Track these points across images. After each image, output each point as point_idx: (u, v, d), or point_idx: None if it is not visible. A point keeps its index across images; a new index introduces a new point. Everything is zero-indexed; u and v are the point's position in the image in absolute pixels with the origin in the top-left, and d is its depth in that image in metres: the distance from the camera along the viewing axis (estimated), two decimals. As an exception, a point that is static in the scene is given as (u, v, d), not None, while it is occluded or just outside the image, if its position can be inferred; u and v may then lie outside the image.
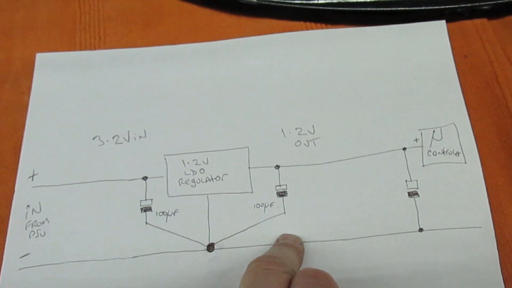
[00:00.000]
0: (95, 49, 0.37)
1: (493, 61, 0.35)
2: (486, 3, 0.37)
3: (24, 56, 0.38)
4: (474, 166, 0.31)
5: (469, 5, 0.37)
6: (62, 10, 0.39)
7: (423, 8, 0.37)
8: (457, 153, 0.32)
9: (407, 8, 0.37)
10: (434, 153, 0.32)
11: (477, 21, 0.37)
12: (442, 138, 0.32)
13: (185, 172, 0.32)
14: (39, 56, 0.36)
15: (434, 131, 0.33)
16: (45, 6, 0.40)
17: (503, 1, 0.37)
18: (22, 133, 0.34)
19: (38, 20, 0.39)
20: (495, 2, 0.37)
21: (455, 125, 0.33)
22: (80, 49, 0.37)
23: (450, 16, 0.37)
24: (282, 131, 0.33)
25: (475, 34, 0.36)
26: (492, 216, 0.30)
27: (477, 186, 0.31)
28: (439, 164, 0.32)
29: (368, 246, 0.30)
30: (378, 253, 0.30)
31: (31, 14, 0.40)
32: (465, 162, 0.32)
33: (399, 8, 0.37)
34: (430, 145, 0.32)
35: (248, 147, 0.33)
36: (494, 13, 0.37)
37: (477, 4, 0.37)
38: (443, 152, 0.32)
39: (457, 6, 0.37)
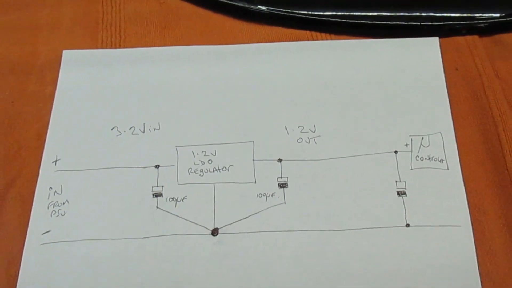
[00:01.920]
0: (115, 47, 0.41)
1: (482, 74, 0.39)
2: (483, 21, 0.41)
3: (48, 51, 0.41)
4: (456, 172, 0.35)
5: (467, 22, 0.41)
6: (86, 10, 0.43)
7: (425, 23, 0.41)
8: (441, 160, 0.35)
9: (409, 23, 0.41)
10: (422, 159, 0.36)
11: (469, 37, 0.40)
12: (429, 145, 0.36)
13: (194, 162, 0.36)
14: (66, 53, 0.40)
15: (422, 138, 0.36)
16: (70, 5, 0.44)
17: (497, 20, 0.41)
18: (45, 121, 0.38)
19: (62, 18, 0.43)
20: (490, 20, 0.41)
21: (441, 134, 0.36)
22: (102, 47, 0.41)
23: (449, 32, 0.41)
24: (286, 128, 0.37)
25: (467, 49, 0.40)
26: (472, 216, 0.33)
27: (458, 190, 0.34)
28: (425, 169, 0.35)
29: (359, 237, 0.33)
30: (368, 244, 0.33)
31: (56, 12, 0.43)
32: (448, 169, 0.35)
33: (399, 23, 0.41)
34: (419, 151, 0.36)
35: (253, 141, 0.36)
36: (489, 30, 0.41)
37: (474, 22, 0.41)
38: (429, 158, 0.36)
39: (456, 23, 0.41)
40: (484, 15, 0.41)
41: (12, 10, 0.43)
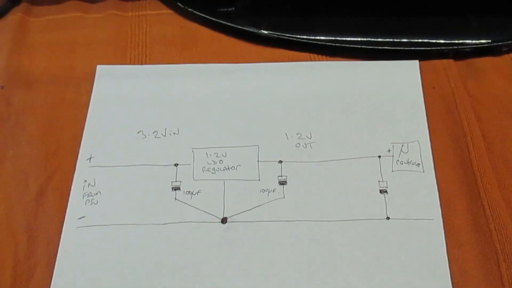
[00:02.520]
0: (142, 64, 0.46)
1: (455, 92, 0.43)
2: (468, 46, 0.46)
3: (84, 66, 0.46)
4: (430, 175, 0.39)
5: (455, 47, 0.46)
6: (117, 32, 0.48)
7: (407, 48, 0.46)
8: (418, 164, 0.40)
9: (393, 48, 0.46)
10: (401, 162, 0.40)
11: (445, 61, 0.45)
12: (408, 151, 0.41)
13: (207, 162, 0.41)
14: (99, 68, 0.46)
15: (402, 145, 0.41)
16: (103, 27, 0.49)
17: (480, 46, 0.46)
18: (80, 125, 0.42)
19: (97, 38, 0.48)
20: (475, 46, 0.46)
21: (418, 142, 0.41)
22: (130, 63, 0.46)
23: (427, 56, 0.45)
24: (286, 135, 0.42)
25: (443, 71, 0.45)
26: (442, 212, 0.38)
27: (431, 189, 0.39)
28: (404, 171, 0.40)
29: (347, 227, 0.37)
30: (355, 233, 0.37)
31: (92, 33, 0.48)
32: (423, 172, 0.40)
33: (385, 47, 0.46)
34: (399, 156, 0.40)
35: (258, 145, 0.41)
36: (472, 54, 0.46)
37: (461, 47, 0.46)
38: (408, 162, 0.40)
39: (433, 48, 0.46)
40: (460, 42, 0.46)
41: (55, 30, 0.49)
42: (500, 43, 0.46)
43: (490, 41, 0.46)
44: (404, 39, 0.47)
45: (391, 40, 0.46)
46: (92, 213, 0.38)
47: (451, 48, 0.46)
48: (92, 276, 0.36)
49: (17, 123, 0.43)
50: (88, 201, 0.39)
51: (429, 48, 0.46)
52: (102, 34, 0.49)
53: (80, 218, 0.38)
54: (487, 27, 0.48)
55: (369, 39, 0.47)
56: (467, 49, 0.46)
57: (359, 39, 0.47)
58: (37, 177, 0.40)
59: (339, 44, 0.46)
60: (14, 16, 0.50)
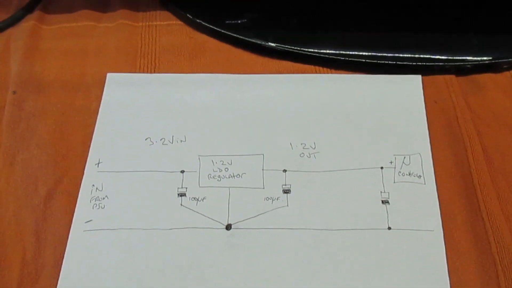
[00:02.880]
0: (151, 72, 0.47)
1: (456, 107, 0.44)
2: (470, 63, 0.47)
3: (95, 73, 0.47)
4: (431, 186, 0.40)
5: (456, 63, 0.47)
6: (127, 41, 0.49)
7: (411, 63, 0.47)
8: (419, 176, 0.41)
9: (397, 62, 0.47)
10: (403, 174, 0.41)
11: (447, 76, 0.46)
12: (410, 163, 0.41)
13: (213, 169, 0.41)
14: (109, 75, 0.46)
15: (404, 157, 0.42)
16: (114, 36, 0.50)
17: (481, 63, 0.47)
18: (90, 131, 0.43)
19: (108, 46, 0.49)
20: (476, 62, 0.47)
21: (420, 155, 0.42)
22: (139, 72, 0.47)
23: (430, 71, 0.46)
24: (290, 144, 0.42)
25: (444, 85, 0.46)
26: (443, 223, 0.38)
27: (432, 201, 0.39)
28: (405, 183, 0.40)
29: (349, 236, 0.38)
30: (356, 242, 0.38)
31: (103, 41, 0.50)
32: (424, 183, 0.40)
33: (389, 62, 0.47)
34: (401, 168, 0.41)
35: (263, 154, 0.42)
36: (473, 71, 0.47)
37: (463, 63, 0.47)
38: (409, 174, 0.41)
39: (436, 64, 0.46)
40: (463, 58, 0.47)
41: (67, 38, 0.50)
42: (500, 60, 0.47)
43: (491, 58, 0.47)
44: (408, 54, 0.48)
45: (395, 55, 0.48)
46: (99, 217, 0.39)
47: (452, 64, 0.47)
48: (98, 279, 0.36)
49: (28, 127, 0.44)
50: (95, 205, 0.40)
51: (432, 64, 0.47)
52: (112, 43, 0.50)
53: (87, 221, 0.39)
54: (488, 44, 0.49)
55: (373, 53, 0.48)
56: (468, 66, 0.47)
57: (364, 53, 0.48)
58: (46, 181, 0.41)
59: (344, 58, 0.47)
60: (27, 23, 0.51)
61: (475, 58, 0.47)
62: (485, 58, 0.47)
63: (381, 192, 0.40)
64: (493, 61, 0.47)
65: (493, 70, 0.47)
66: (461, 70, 0.47)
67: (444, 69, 0.47)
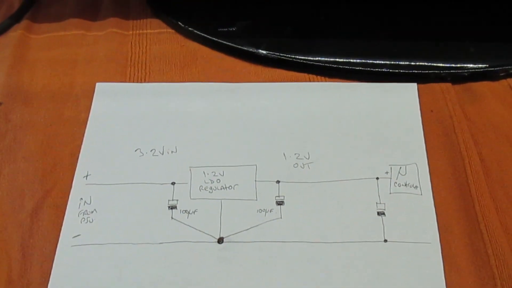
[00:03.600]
0: (141, 82, 0.46)
1: (453, 116, 0.43)
2: (466, 70, 0.46)
3: (84, 83, 0.46)
4: (428, 197, 0.39)
5: (452, 71, 0.46)
6: (117, 50, 0.49)
7: (406, 71, 0.46)
8: (416, 187, 0.40)
9: (392, 70, 0.46)
10: (399, 185, 0.40)
11: (443, 84, 0.46)
12: (406, 173, 0.41)
13: (204, 181, 0.40)
14: (99, 85, 0.46)
15: (400, 167, 0.41)
16: (104, 45, 0.49)
17: (478, 70, 0.46)
18: (78, 142, 0.42)
19: (97, 55, 0.48)
20: (473, 70, 0.46)
21: (416, 165, 0.41)
22: (130, 81, 0.46)
23: (426, 79, 0.46)
24: (284, 155, 0.42)
25: (441, 94, 0.45)
26: (440, 235, 0.37)
27: (429, 212, 0.39)
28: (402, 193, 0.40)
29: (344, 249, 0.37)
30: (351, 255, 0.37)
31: (92, 50, 0.49)
32: (421, 194, 0.40)
33: (384, 70, 0.46)
34: (397, 178, 0.40)
35: (256, 165, 0.41)
36: (470, 79, 0.46)
37: (459, 71, 0.46)
38: (405, 185, 0.40)
39: (431, 71, 0.46)
40: (462, 65, 0.46)
41: (55, 47, 0.49)
42: (497, 68, 0.47)
43: (487, 65, 0.47)
44: (403, 62, 0.47)
45: (390, 62, 0.47)
46: (87, 232, 0.38)
47: (448, 72, 0.46)
48: (86, 295, 0.35)
49: (15, 139, 0.43)
50: (83, 219, 0.39)
51: (427, 72, 0.46)
52: (102, 52, 0.49)
53: (75, 236, 0.38)
54: (484, 52, 0.48)
55: (368, 61, 0.47)
56: (464, 73, 0.46)
57: (358, 61, 0.47)
58: (33, 194, 0.40)
59: (338, 66, 0.47)
60: (15, 33, 0.51)
61: (471, 66, 0.47)
62: (481, 65, 0.46)
63: (376, 203, 0.39)
64: (489, 69, 0.47)
65: (490, 78, 0.47)
66: (457, 78, 0.46)
67: (440, 77, 0.46)
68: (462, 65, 0.47)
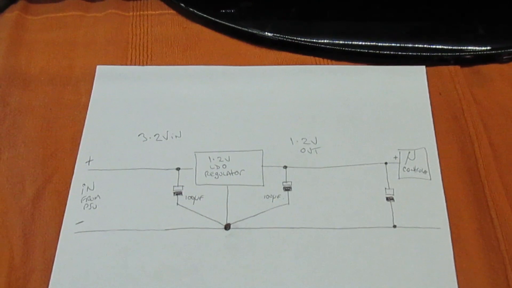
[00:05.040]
0: (143, 65, 0.45)
1: (461, 99, 0.43)
2: (466, 53, 0.46)
3: (84, 66, 0.45)
4: (437, 182, 0.39)
5: (452, 54, 0.45)
6: (118, 31, 0.48)
7: (414, 53, 0.45)
8: (425, 171, 0.39)
9: (400, 53, 0.45)
10: (408, 170, 0.40)
11: (452, 67, 0.45)
12: (415, 158, 0.40)
13: (210, 166, 0.40)
14: (99, 68, 0.45)
15: (409, 152, 0.40)
16: (104, 26, 0.48)
17: (481, 53, 0.46)
18: (79, 127, 0.42)
19: (97, 37, 0.47)
20: (475, 53, 0.46)
21: (425, 149, 0.41)
22: (131, 64, 0.45)
23: (434, 62, 0.45)
24: (291, 140, 0.41)
25: (449, 77, 0.45)
26: (450, 220, 0.37)
27: (438, 197, 0.38)
28: (410, 179, 0.39)
29: (353, 235, 0.37)
30: (360, 241, 0.37)
31: (92, 32, 0.48)
32: (430, 179, 0.39)
33: (392, 52, 0.45)
34: (406, 163, 0.40)
35: (262, 150, 0.41)
36: (470, 62, 0.45)
37: (457, 54, 0.45)
38: (414, 170, 0.40)
39: (440, 54, 0.45)
40: (467, 48, 0.46)
41: (53, 29, 0.48)
42: (500, 51, 0.46)
43: (490, 48, 0.46)
44: (410, 44, 0.46)
45: (397, 45, 0.46)
46: (90, 218, 0.38)
47: (451, 55, 0.45)
48: (90, 283, 0.35)
49: (14, 124, 0.42)
50: (86, 205, 0.38)
51: (434, 54, 0.46)
52: (102, 34, 0.48)
53: (79, 223, 0.38)
54: (489, 34, 0.47)
55: (375, 43, 0.46)
56: (469, 56, 0.46)
57: (365, 43, 0.46)
58: (34, 180, 0.39)
59: (345, 48, 0.46)
60: (11, 14, 0.49)
61: (475, 48, 0.46)
62: (484, 48, 0.46)
63: (385, 188, 0.39)
64: (493, 52, 0.46)
65: (493, 60, 0.46)
66: (460, 60, 0.45)
67: (443, 59, 0.45)
68: (465, 47, 0.46)
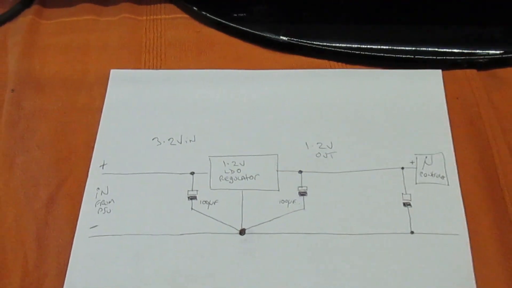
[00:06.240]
0: (156, 69, 0.45)
1: (479, 103, 0.42)
2: (481, 57, 0.45)
3: (97, 70, 0.45)
4: (455, 188, 0.38)
5: (467, 57, 0.45)
6: (131, 35, 0.48)
7: (430, 57, 0.45)
8: (442, 177, 0.39)
9: (416, 57, 0.45)
10: (425, 175, 0.39)
11: (468, 71, 0.44)
12: (432, 163, 0.40)
13: (225, 170, 0.39)
14: (113, 72, 0.45)
15: (426, 157, 0.40)
16: (117, 30, 0.48)
17: (493, 57, 0.45)
18: (93, 131, 0.42)
19: (111, 41, 0.47)
20: (489, 57, 0.45)
21: (443, 154, 0.40)
22: (145, 68, 0.45)
23: (450, 65, 0.45)
24: (306, 144, 0.41)
25: (466, 81, 0.44)
26: (468, 226, 0.36)
27: (456, 203, 0.38)
28: (428, 184, 0.39)
29: (369, 241, 0.36)
30: (377, 248, 0.36)
31: (105, 36, 0.48)
32: (448, 184, 0.39)
33: (407, 56, 0.45)
34: (423, 168, 0.39)
35: (277, 154, 0.40)
36: (487, 65, 0.45)
37: (474, 57, 0.45)
38: (432, 175, 0.39)
39: (457, 58, 0.45)
40: (483, 51, 0.45)
41: (67, 32, 0.48)
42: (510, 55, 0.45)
43: (503, 52, 0.45)
44: (424, 48, 0.46)
45: (412, 48, 0.46)
46: (105, 222, 0.37)
47: (464, 58, 0.45)
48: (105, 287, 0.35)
49: (28, 128, 0.42)
50: (101, 209, 0.38)
51: (451, 58, 0.45)
52: (115, 38, 0.48)
53: (93, 227, 0.37)
54: (508, 37, 0.47)
55: (389, 47, 0.46)
56: (484, 59, 0.45)
57: (380, 47, 0.46)
58: (48, 184, 0.39)
59: (359, 52, 0.45)
60: (25, 18, 0.49)
61: (499, 52, 0.45)
62: (499, 52, 0.45)
63: (402, 194, 0.38)
64: (508, 55, 0.45)
65: (509, 64, 0.45)
66: (484, 64, 0.45)
67: (456, 63, 0.45)
68: (480, 51, 0.45)
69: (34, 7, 0.50)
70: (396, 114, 0.42)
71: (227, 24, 0.48)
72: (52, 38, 0.48)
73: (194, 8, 0.49)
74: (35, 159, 0.40)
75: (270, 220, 0.37)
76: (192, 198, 0.38)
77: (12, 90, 0.44)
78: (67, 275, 0.35)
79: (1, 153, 0.41)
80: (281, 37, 0.46)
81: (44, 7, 0.50)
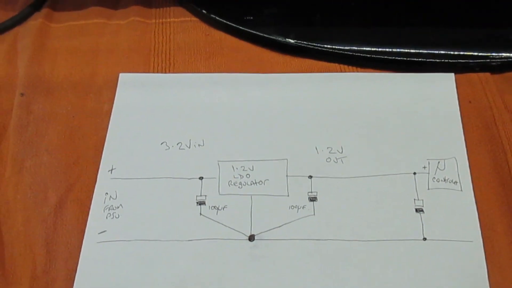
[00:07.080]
0: (166, 72, 0.45)
1: (493, 107, 0.42)
2: (495, 60, 0.44)
3: (106, 73, 0.45)
4: (468, 193, 0.38)
5: (481, 61, 0.44)
6: (140, 39, 0.47)
7: (442, 60, 0.44)
8: (455, 182, 0.38)
9: (428, 60, 0.44)
10: (438, 180, 0.38)
11: (482, 74, 0.44)
12: (444, 168, 0.39)
13: (234, 175, 0.39)
14: (122, 76, 0.44)
15: (439, 162, 0.39)
16: (126, 34, 0.48)
17: (508, 60, 0.44)
18: (102, 135, 0.41)
19: (120, 45, 0.47)
20: (501, 60, 0.44)
21: (455, 159, 0.39)
22: (153, 72, 0.45)
23: (463, 69, 0.44)
24: (316, 148, 0.40)
25: (479, 84, 0.43)
26: (482, 233, 0.36)
27: (470, 209, 0.37)
28: (441, 189, 0.38)
29: (381, 248, 0.36)
30: (389, 255, 0.35)
31: (114, 40, 0.48)
32: (461, 190, 0.38)
33: (419, 59, 0.44)
34: (435, 173, 0.39)
35: (287, 159, 0.40)
36: (500, 68, 0.44)
37: (487, 60, 0.44)
38: (444, 180, 0.38)
39: (470, 61, 0.44)
40: (496, 54, 0.44)
41: (76, 36, 0.48)
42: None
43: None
44: (438, 51, 0.45)
45: (424, 51, 0.45)
46: (113, 228, 0.37)
47: (480, 62, 0.44)
48: (113, 293, 0.35)
49: (37, 132, 0.42)
50: (109, 214, 0.38)
51: (464, 61, 0.44)
52: (125, 41, 0.48)
53: (101, 232, 0.37)
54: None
55: (401, 50, 0.45)
56: (497, 62, 0.44)
57: (391, 50, 0.45)
58: (57, 188, 0.39)
59: (370, 55, 0.45)
60: (35, 21, 0.49)
61: (503, 55, 0.44)
62: (511, 55, 0.44)
63: (414, 199, 0.38)
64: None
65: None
66: (498, 67, 0.44)
67: (479, 66, 0.44)
68: (493, 54, 0.44)
69: (44, 11, 0.50)
70: (408, 118, 0.42)
71: (236, 27, 0.47)
72: (61, 41, 0.48)
73: (203, 11, 0.49)
74: (44, 163, 0.40)
75: (279, 226, 0.37)
76: (201, 203, 0.38)
77: (22, 94, 0.44)
78: (75, 281, 0.35)
79: (10, 157, 0.41)
80: (291, 40, 0.46)
81: (54, 11, 0.50)
